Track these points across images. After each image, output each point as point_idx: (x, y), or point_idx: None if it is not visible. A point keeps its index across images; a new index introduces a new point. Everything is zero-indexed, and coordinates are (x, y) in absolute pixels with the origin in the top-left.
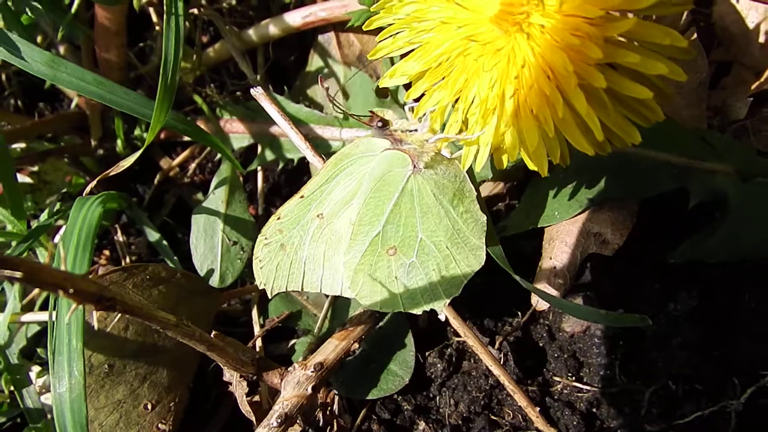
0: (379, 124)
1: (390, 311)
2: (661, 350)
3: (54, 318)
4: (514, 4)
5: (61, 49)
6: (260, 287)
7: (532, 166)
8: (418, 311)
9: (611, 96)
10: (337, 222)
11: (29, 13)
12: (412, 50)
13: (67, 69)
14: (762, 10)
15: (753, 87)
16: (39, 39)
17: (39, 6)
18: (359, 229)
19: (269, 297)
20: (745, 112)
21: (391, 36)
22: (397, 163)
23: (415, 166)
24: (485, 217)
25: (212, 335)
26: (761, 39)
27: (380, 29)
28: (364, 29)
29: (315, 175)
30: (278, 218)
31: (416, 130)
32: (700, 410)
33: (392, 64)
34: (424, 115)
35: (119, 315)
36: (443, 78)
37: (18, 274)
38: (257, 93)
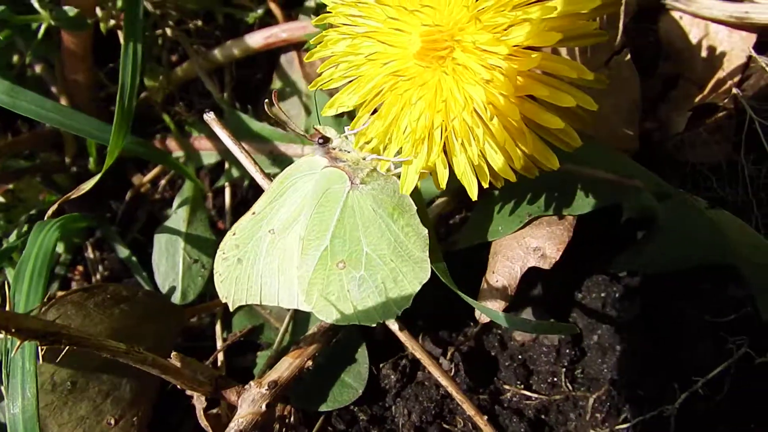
0: (320, 141)
1: (345, 323)
2: (604, 358)
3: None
4: (437, 41)
5: (38, 68)
6: (222, 300)
7: (442, 187)
8: (371, 324)
9: (531, 125)
10: (288, 237)
11: None
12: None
13: (26, 97)
14: (703, 27)
15: (696, 101)
16: (15, 58)
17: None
18: (308, 244)
19: (231, 310)
20: (684, 125)
21: (331, 68)
22: (335, 180)
23: (352, 183)
24: (426, 231)
25: (173, 356)
26: (703, 54)
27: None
28: (305, 61)
29: (264, 193)
30: (233, 234)
31: (351, 151)
32: (642, 415)
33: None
34: (353, 134)
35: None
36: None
37: None
38: (209, 118)
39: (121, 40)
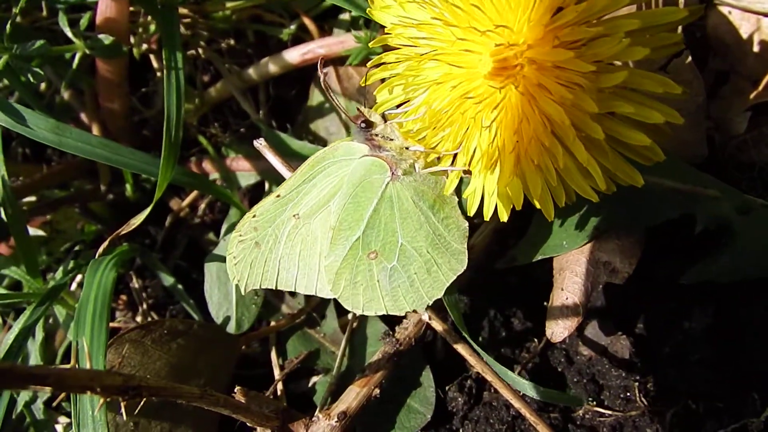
0: (363, 124)
1: (372, 313)
2: (679, 369)
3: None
4: (508, 59)
5: (65, 95)
6: (233, 283)
7: (538, 206)
8: (400, 313)
9: (611, 141)
10: (314, 223)
11: (32, 79)
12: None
13: (72, 135)
14: (754, 21)
15: (751, 98)
16: (43, 86)
17: (40, 72)
18: (339, 234)
19: (242, 293)
20: (745, 126)
21: (388, 89)
22: (375, 170)
23: (393, 173)
24: (466, 223)
25: (237, 391)
26: (755, 48)
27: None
28: (362, 84)
29: (292, 176)
30: (253, 216)
31: (398, 136)
32: (722, 428)
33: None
34: (398, 118)
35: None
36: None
37: (47, 389)
38: (260, 146)
39: (154, 63)
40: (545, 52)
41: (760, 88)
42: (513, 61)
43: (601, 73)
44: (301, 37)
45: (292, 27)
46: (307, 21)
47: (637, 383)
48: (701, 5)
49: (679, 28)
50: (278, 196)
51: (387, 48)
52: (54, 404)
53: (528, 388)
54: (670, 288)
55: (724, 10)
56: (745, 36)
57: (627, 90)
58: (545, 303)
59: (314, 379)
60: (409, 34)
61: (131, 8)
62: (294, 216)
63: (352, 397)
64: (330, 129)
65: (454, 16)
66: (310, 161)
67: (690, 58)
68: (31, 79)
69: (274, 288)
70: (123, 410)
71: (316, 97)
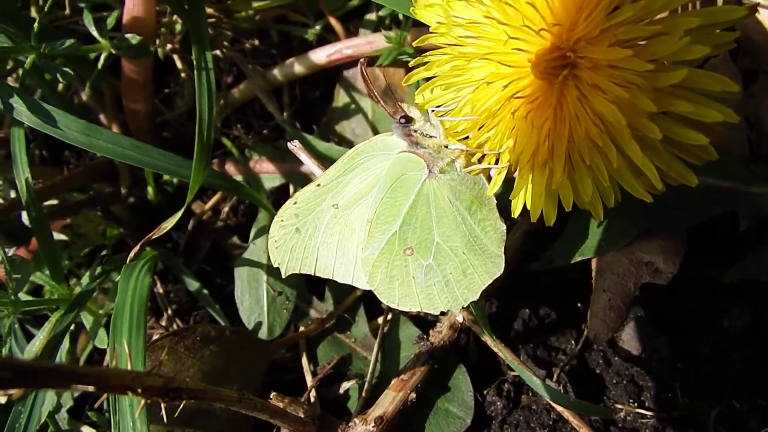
0: (402, 120)
1: (407, 309)
2: (720, 368)
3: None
4: (559, 59)
5: (84, 95)
6: (275, 265)
7: (583, 206)
8: (434, 312)
9: (665, 142)
10: (352, 214)
11: (61, 79)
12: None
13: (102, 136)
14: None
15: None
16: (60, 86)
17: (70, 72)
18: (376, 227)
19: (283, 276)
20: None
21: (430, 89)
22: (412, 166)
23: (430, 171)
24: (504, 227)
25: (273, 397)
26: None
27: (410, 68)
28: (403, 84)
29: (333, 166)
30: (295, 203)
31: (437, 133)
32: (766, 425)
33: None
34: (442, 115)
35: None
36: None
37: (91, 387)
38: (295, 148)
39: (178, 63)
40: (601, 51)
41: None
42: (565, 60)
43: (658, 72)
44: (326, 37)
45: (318, 27)
46: (333, 21)
47: (678, 384)
48: (754, 3)
49: None
50: (318, 185)
51: (420, 50)
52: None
53: (557, 398)
54: (707, 287)
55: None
56: None
57: (683, 89)
58: (579, 305)
59: (346, 384)
60: (456, 33)
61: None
62: (333, 206)
63: (389, 401)
64: (356, 131)
65: (505, 15)
66: (350, 153)
67: (728, 58)
68: (60, 79)
69: (312, 274)
70: (163, 412)
71: (341, 98)
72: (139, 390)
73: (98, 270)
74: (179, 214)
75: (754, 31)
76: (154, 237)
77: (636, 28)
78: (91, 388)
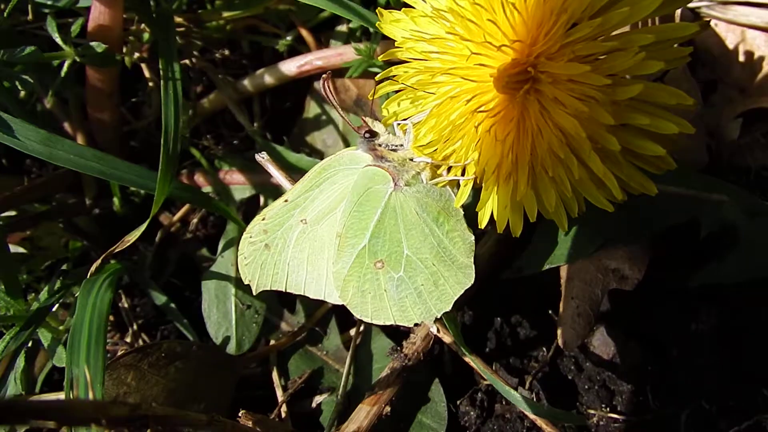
0: (367, 135)
1: (381, 323)
2: (689, 371)
3: None
4: (522, 74)
5: (49, 104)
6: (245, 282)
7: (549, 216)
8: (408, 324)
9: (624, 152)
10: (320, 229)
11: (20, 87)
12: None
13: (64, 147)
14: (739, 32)
15: (740, 106)
16: (22, 94)
17: (30, 80)
18: (346, 241)
19: (254, 293)
20: (738, 132)
21: (396, 102)
22: (378, 180)
23: (396, 184)
24: (473, 237)
25: (242, 415)
26: (741, 58)
27: (379, 81)
28: (370, 98)
29: (300, 181)
30: (263, 219)
31: (401, 146)
32: (735, 425)
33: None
34: (407, 129)
35: None
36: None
37: (51, 424)
38: (263, 160)
39: (146, 72)
40: (560, 66)
41: (749, 96)
42: (527, 75)
43: (616, 86)
44: (297, 48)
45: (289, 38)
46: (304, 32)
47: (648, 387)
48: (707, 20)
49: None
50: (286, 200)
51: (389, 62)
52: None
53: (531, 406)
54: (675, 292)
55: (710, 22)
56: (731, 47)
57: (640, 102)
58: (550, 312)
59: (318, 398)
60: (421, 48)
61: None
62: (302, 221)
63: (363, 416)
64: (327, 141)
65: (468, 31)
66: (317, 168)
67: (686, 70)
68: (19, 87)
69: (284, 290)
70: None
71: (312, 109)
72: (104, 421)
73: (58, 284)
74: (143, 227)
75: (713, 44)
76: (117, 250)
77: (593, 45)
78: (51, 425)
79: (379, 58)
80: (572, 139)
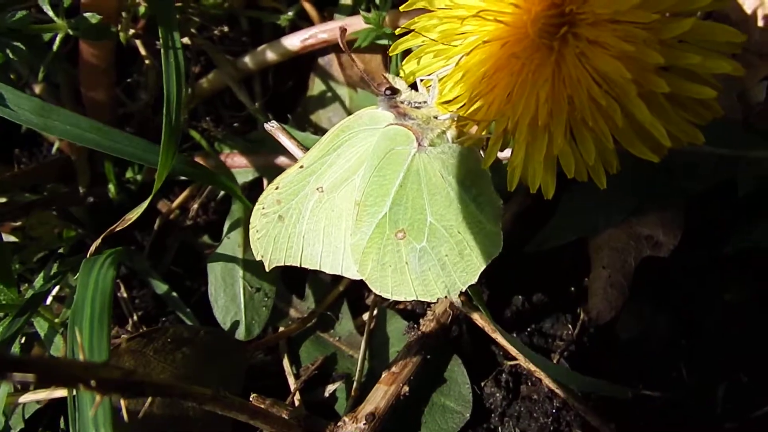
0: (388, 92)
1: (402, 298)
2: (724, 342)
3: (75, 408)
4: (556, 16)
5: (37, 89)
6: (257, 258)
7: (581, 177)
8: (431, 299)
9: (670, 99)
10: (338, 197)
11: (11, 55)
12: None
13: (59, 117)
14: None
15: (762, 72)
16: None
17: (21, 46)
18: (364, 210)
19: (267, 269)
20: (763, 95)
21: (416, 59)
22: (400, 141)
23: (420, 144)
24: (501, 201)
25: (253, 398)
26: (760, 23)
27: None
28: (390, 54)
29: (315, 145)
30: (276, 188)
31: (425, 102)
32: None
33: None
34: (432, 84)
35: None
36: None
37: (30, 377)
38: (272, 128)
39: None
40: (603, 3)
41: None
42: (563, 17)
43: (663, 24)
44: (299, 24)
45: (290, 13)
46: (307, 6)
47: (682, 362)
48: None
49: None
50: (301, 166)
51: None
52: None
53: (574, 379)
54: (706, 260)
55: None
56: (749, 11)
57: (685, 43)
58: (572, 288)
59: (332, 386)
60: None
61: None
62: (318, 189)
63: (380, 396)
64: (333, 119)
65: None
66: (335, 129)
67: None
68: (11, 56)
69: (298, 265)
70: (123, 411)
71: (317, 87)
72: (93, 383)
73: (54, 269)
74: (145, 205)
75: (732, 9)
76: (117, 230)
77: None
78: (31, 377)
79: (401, 8)
80: (614, 85)
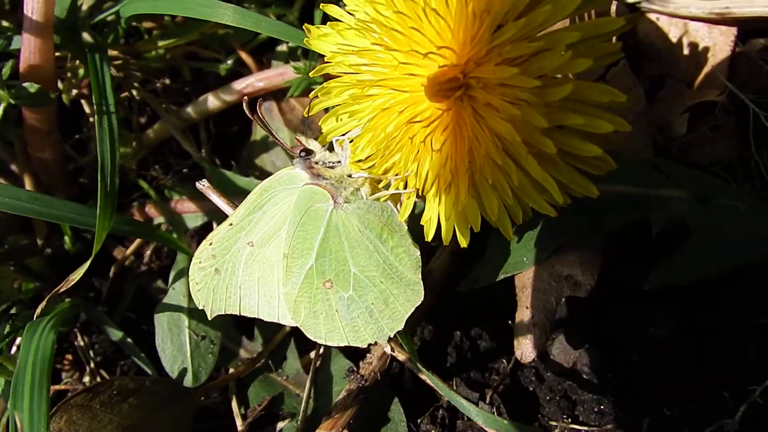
0: (303, 153)
1: (335, 344)
2: (650, 376)
3: None
4: (452, 80)
5: None
6: (199, 307)
7: (493, 224)
8: (362, 345)
9: (562, 154)
10: (267, 250)
11: None
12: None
13: None
14: (681, 25)
15: (688, 100)
16: None
17: None
18: (293, 262)
19: (209, 318)
20: (685, 127)
21: (334, 117)
22: (317, 199)
23: (335, 202)
24: (418, 252)
25: None
26: (686, 51)
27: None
28: (305, 115)
29: (242, 204)
30: (210, 243)
31: (339, 162)
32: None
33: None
34: (344, 145)
35: None
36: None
37: None
38: (203, 187)
39: (86, 108)
40: (489, 71)
41: (696, 89)
42: (458, 81)
43: (546, 87)
44: (239, 71)
45: (229, 62)
46: (244, 55)
47: (609, 395)
48: (636, 13)
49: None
50: (231, 224)
51: (328, 77)
52: None
53: (490, 422)
54: (632, 295)
55: (652, 16)
56: (674, 40)
57: (573, 102)
58: (510, 322)
59: (280, 425)
60: (350, 62)
61: (57, 53)
62: (248, 243)
63: None
64: (276, 163)
65: (394, 41)
66: (258, 189)
67: (626, 62)
68: None
69: (238, 314)
70: None
71: (259, 132)
72: None
73: (7, 328)
74: (86, 266)
75: (656, 38)
76: (62, 290)
77: (520, 46)
78: None
79: (310, 74)
80: (508, 144)
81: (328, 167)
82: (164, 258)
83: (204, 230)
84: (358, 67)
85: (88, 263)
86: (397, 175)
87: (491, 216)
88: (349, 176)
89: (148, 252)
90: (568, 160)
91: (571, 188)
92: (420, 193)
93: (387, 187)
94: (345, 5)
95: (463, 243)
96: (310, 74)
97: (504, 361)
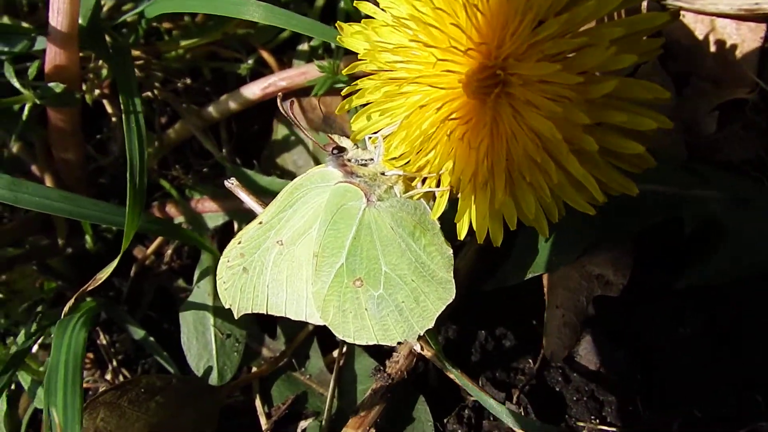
0: (335, 151)
1: (364, 343)
2: (679, 377)
3: None
4: (490, 77)
5: (14, 148)
6: (226, 306)
7: (529, 223)
8: (391, 343)
9: (603, 153)
10: (297, 249)
11: None
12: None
13: (28, 190)
14: (708, 22)
15: (715, 99)
16: None
17: None
18: (323, 260)
19: (235, 317)
20: (715, 126)
21: (365, 116)
22: (350, 197)
23: (368, 200)
24: (451, 250)
25: None
26: (712, 49)
27: (345, 96)
28: (337, 113)
29: (272, 202)
30: (239, 242)
31: (372, 160)
32: None
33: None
34: (378, 143)
35: None
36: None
37: None
38: (232, 186)
39: (108, 108)
40: (529, 67)
41: (724, 87)
42: (496, 78)
43: (589, 84)
44: (260, 71)
45: (250, 62)
46: (265, 54)
47: (638, 396)
48: (677, 8)
49: None
50: (260, 222)
51: (353, 77)
52: None
53: (518, 421)
54: (660, 295)
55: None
56: (700, 37)
57: (616, 99)
58: (534, 322)
59: (303, 424)
60: (385, 59)
61: (81, 53)
62: (278, 242)
63: None
64: (298, 162)
65: (431, 38)
66: (289, 188)
67: (657, 63)
68: None
69: (265, 313)
70: None
71: (281, 131)
72: None
73: (34, 326)
74: (114, 264)
75: (683, 35)
76: (90, 288)
77: (562, 42)
78: None
79: (343, 72)
80: (548, 142)
81: (361, 165)
82: (185, 257)
83: (225, 230)
84: (393, 64)
85: (115, 261)
86: (430, 173)
87: (528, 215)
88: (383, 174)
89: (169, 252)
90: (608, 157)
91: (610, 186)
92: (454, 192)
93: (422, 184)
94: (378, 2)
95: (497, 242)
96: (343, 71)
97: (530, 361)
